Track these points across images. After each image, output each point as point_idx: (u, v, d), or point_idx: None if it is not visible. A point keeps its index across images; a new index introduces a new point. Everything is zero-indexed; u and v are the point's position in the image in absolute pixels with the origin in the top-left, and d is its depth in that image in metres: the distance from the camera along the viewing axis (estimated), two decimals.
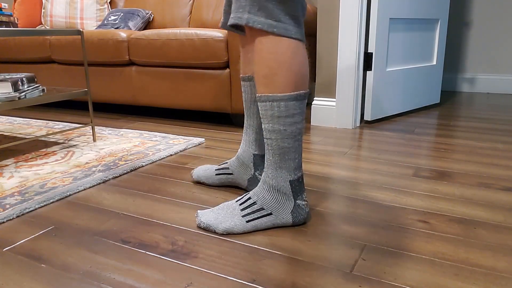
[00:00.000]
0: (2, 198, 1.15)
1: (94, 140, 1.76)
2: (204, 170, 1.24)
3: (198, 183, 1.26)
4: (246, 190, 1.20)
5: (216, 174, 1.21)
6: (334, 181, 1.27)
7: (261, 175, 1.17)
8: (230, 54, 1.90)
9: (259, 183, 0.98)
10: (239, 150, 1.20)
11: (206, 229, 0.95)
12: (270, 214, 0.95)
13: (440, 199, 1.12)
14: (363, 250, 0.87)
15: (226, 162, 1.22)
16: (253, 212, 0.95)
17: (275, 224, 0.96)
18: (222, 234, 0.94)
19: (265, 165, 0.96)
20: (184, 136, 1.83)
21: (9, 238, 0.94)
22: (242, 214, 0.95)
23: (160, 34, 2.04)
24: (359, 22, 1.87)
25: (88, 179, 1.29)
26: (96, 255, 0.86)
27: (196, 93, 2.04)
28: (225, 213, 0.96)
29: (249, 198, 0.97)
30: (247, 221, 0.94)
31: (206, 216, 0.97)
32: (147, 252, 0.87)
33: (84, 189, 1.23)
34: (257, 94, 0.91)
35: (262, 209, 0.95)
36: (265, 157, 0.96)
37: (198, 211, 0.99)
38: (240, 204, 0.97)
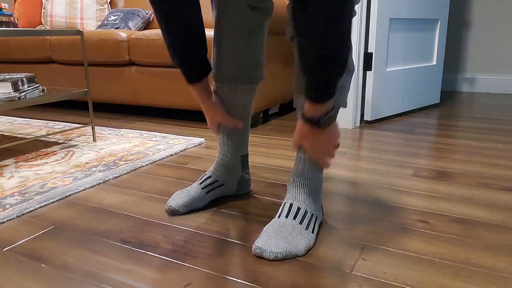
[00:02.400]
0: (2, 198, 1.15)
1: (94, 140, 1.76)
2: (187, 196, 1.07)
3: (183, 214, 1.06)
4: (233, 195, 1.16)
5: (207, 192, 1.09)
6: (334, 181, 1.27)
7: (248, 174, 1.16)
8: None
9: (292, 190, 0.95)
10: (220, 157, 1.11)
11: (287, 257, 0.84)
12: (313, 215, 0.93)
13: (440, 199, 1.13)
14: (363, 250, 0.87)
15: (207, 175, 1.11)
16: (309, 221, 0.91)
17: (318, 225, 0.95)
18: (254, 249, 0.85)
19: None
20: (184, 136, 1.83)
21: (9, 238, 0.94)
22: (304, 228, 0.89)
23: (160, 34, 2.04)
24: (359, 22, 1.87)
25: (88, 179, 1.29)
26: (96, 255, 0.86)
27: None
28: (291, 234, 0.88)
29: (298, 208, 0.92)
30: (312, 232, 0.91)
31: (275, 246, 0.84)
32: (147, 252, 0.87)
33: (84, 189, 1.23)
34: None
35: (312, 214, 0.93)
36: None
37: (257, 245, 0.84)
38: (294, 218, 0.90)
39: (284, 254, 0.83)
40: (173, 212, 1.05)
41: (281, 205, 0.97)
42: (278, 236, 0.87)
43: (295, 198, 0.94)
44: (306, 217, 0.91)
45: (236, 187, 1.14)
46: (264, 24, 1.03)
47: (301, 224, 0.90)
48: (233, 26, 0.99)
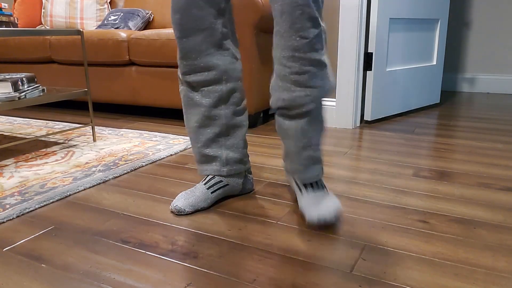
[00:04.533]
0: (2, 198, 1.15)
1: (94, 140, 1.76)
2: (192, 196, 1.07)
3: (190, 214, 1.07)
4: (234, 195, 1.16)
5: (212, 192, 1.09)
6: (334, 181, 1.27)
7: (250, 174, 1.19)
8: None
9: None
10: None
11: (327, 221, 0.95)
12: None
13: (440, 199, 1.13)
14: (363, 250, 0.87)
15: (211, 176, 1.11)
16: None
17: None
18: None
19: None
20: (184, 136, 1.83)
21: (9, 238, 0.94)
22: (328, 190, 1.06)
23: (160, 34, 2.04)
24: (359, 22, 1.87)
25: (88, 179, 1.29)
26: (96, 255, 0.86)
27: None
28: (318, 198, 1.01)
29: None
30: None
31: (330, 209, 0.96)
32: (147, 252, 0.87)
33: (84, 189, 1.23)
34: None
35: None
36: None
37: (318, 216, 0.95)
38: (322, 186, 1.06)
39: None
40: (179, 212, 1.05)
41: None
42: (315, 200, 1.00)
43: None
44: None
45: (241, 186, 1.15)
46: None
47: (325, 188, 1.06)
48: None
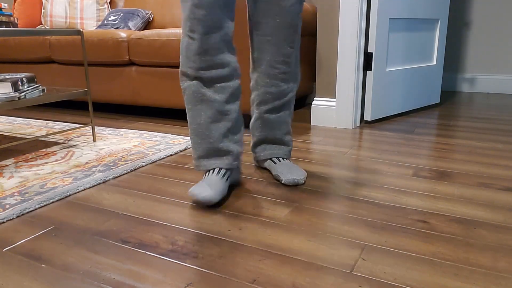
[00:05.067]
0: (2, 198, 1.15)
1: (94, 140, 1.76)
2: (214, 185, 1.11)
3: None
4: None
5: (226, 180, 1.15)
6: (334, 181, 1.27)
7: (239, 163, 1.27)
8: None
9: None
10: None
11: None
12: None
13: (440, 199, 1.13)
14: (363, 250, 0.87)
15: (214, 168, 1.16)
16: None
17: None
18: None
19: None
20: (184, 136, 1.83)
21: (9, 238, 0.94)
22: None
23: (160, 34, 2.04)
24: (359, 22, 1.87)
25: (88, 179, 1.29)
26: (96, 255, 0.86)
27: None
28: (290, 166, 1.29)
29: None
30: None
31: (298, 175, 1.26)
32: (147, 252, 0.87)
33: (84, 189, 1.23)
34: None
35: None
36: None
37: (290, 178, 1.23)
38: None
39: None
40: (209, 201, 1.07)
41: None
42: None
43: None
44: None
45: (237, 175, 1.25)
46: None
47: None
48: None
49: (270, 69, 1.21)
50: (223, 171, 1.16)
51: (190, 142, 1.52)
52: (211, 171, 1.15)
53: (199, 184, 1.11)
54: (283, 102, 1.26)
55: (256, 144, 1.35)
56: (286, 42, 1.19)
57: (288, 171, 1.26)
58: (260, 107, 1.28)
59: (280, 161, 1.31)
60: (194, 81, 1.11)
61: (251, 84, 1.29)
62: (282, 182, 1.24)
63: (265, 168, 1.38)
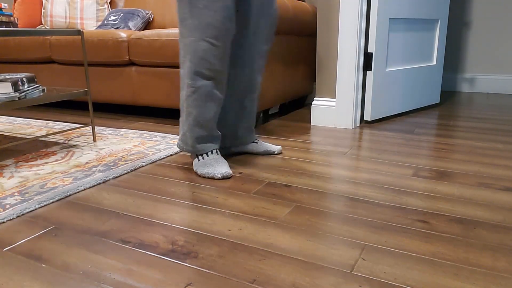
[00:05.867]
0: (2, 198, 1.15)
1: (94, 140, 1.76)
2: (224, 162, 1.34)
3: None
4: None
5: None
6: (334, 181, 1.28)
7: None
8: None
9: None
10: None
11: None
12: None
13: (439, 199, 1.13)
14: (363, 250, 0.87)
15: (214, 149, 1.38)
16: None
17: None
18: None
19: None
20: None
21: (9, 238, 0.94)
22: None
23: (160, 34, 2.04)
24: (359, 22, 1.87)
25: (88, 179, 1.29)
26: (96, 255, 0.86)
27: None
28: (266, 144, 1.57)
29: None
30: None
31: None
32: (147, 252, 0.87)
33: (84, 189, 1.23)
34: None
35: None
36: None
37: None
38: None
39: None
40: (230, 175, 1.30)
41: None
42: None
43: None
44: None
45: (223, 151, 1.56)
46: None
47: None
48: None
49: (260, 62, 1.46)
50: (217, 151, 1.38)
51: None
52: (210, 152, 1.35)
53: (205, 165, 1.32)
54: (257, 94, 1.52)
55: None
56: (269, 40, 1.43)
57: (269, 146, 1.55)
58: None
59: (258, 141, 1.57)
60: (208, 81, 1.25)
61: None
62: (276, 152, 1.54)
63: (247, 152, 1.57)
